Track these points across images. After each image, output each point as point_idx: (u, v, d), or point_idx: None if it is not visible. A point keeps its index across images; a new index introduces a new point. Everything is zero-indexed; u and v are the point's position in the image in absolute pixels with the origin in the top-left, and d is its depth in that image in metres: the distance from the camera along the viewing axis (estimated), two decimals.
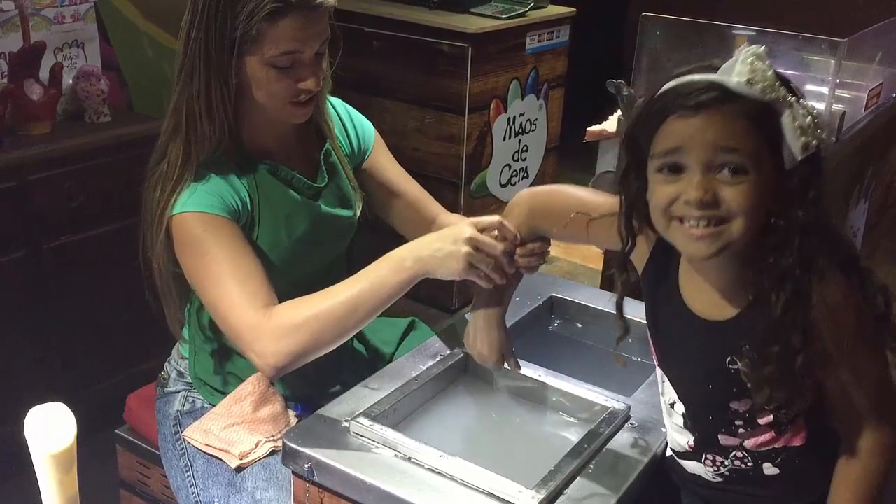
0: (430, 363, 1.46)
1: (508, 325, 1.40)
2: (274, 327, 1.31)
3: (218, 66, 1.35)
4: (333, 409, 1.33)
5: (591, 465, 1.24)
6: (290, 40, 1.35)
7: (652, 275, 1.20)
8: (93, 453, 1.90)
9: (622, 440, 1.30)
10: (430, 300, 3.16)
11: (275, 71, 1.37)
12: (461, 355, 1.47)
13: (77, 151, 2.22)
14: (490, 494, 1.17)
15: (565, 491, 1.19)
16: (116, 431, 1.78)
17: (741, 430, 1.16)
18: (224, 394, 1.52)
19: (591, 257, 3.39)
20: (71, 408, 0.85)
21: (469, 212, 2.81)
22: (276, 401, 1.51)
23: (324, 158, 1.53)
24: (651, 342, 1.24)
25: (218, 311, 1.37)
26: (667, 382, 1.22)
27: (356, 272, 1.66)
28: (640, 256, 1.20)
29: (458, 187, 3.05)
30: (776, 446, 1.16)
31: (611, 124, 2.36)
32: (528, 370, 1.44)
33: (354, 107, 1.67)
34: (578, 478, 1.21)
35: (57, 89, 2.30)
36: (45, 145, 2.19)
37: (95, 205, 2.25)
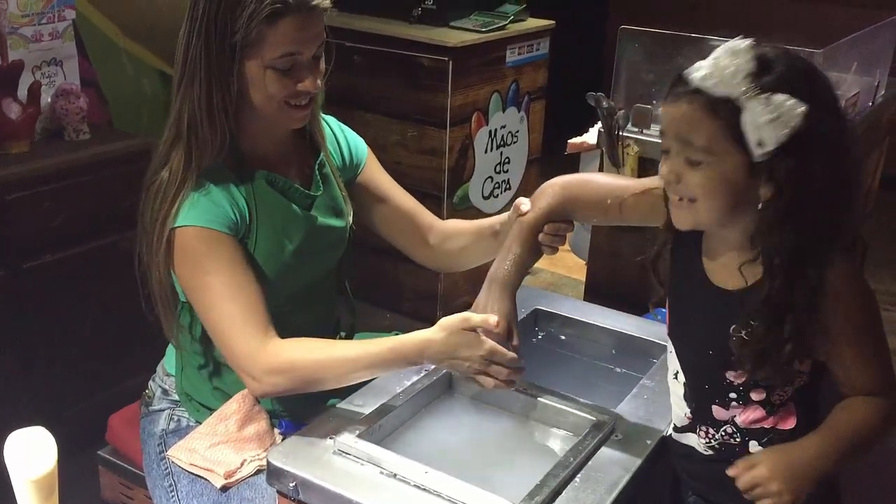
0: (415, 378, 1.45)
1: None
2: (273, 361, 1.35)
3: (219, 71, 1.37)
4: (318, 427, 1.33)
5: (577, 479, 1.24)
6: (290, 42, 1.36)
7: (680, 245, 1.28)
8: (75, 474, 1.88)
9: (607, 453, 1.30)
10: (414, 313, 3.15)
11: (274, 73, 1.38)
12: (445, 370, 1.46)
13: (56, 170, 2.20)
14: None
15: None
16: (99, 452, 1.76)
17: (734, 404, 1.22)
18: (210, 410, 1.51)
19: (575, 268, 3.40)
20: (52, 428, 0.85)
21: None
22: (262, 419, 1.50)
23: (318, 168, 1.55)
24: (668, 311, 1.31)
25: (217, 332, 1.39)
26: (673, 353, 1.29)
27: (344, 288, 1.67)
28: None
29: (441, 200, 3.06)
30: (765, 426, 1.22)
31: (591, 136, 2.37)
32: None
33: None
34: (564, 491, 1.21)
35: (35, 108, 2.28)
36: (23, 164, 2.17)
37: (75, 224, 2.23)
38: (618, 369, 1.63)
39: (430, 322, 1.36)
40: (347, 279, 1.69)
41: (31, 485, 0.82)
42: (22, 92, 2.26)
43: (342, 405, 1.39)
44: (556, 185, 1.42)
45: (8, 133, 2.21)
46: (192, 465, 1.46)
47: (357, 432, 1.29)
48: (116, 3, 2.69)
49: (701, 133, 1.11)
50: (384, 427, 1.35)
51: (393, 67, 3.04)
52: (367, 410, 1.36)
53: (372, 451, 1.25)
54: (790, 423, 1.22)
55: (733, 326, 1.16)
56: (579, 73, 4.04)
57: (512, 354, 1.31)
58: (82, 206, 2.25)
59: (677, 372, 1.29)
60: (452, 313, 1.35)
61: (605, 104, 2.11)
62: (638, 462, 1.28)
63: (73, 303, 2.27)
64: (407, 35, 3.00)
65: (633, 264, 1.47)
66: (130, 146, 2.36)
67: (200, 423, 1.51)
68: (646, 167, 2.12)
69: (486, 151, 3.19)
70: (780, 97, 1.08)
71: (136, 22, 2.75)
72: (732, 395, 1.22)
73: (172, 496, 1.48)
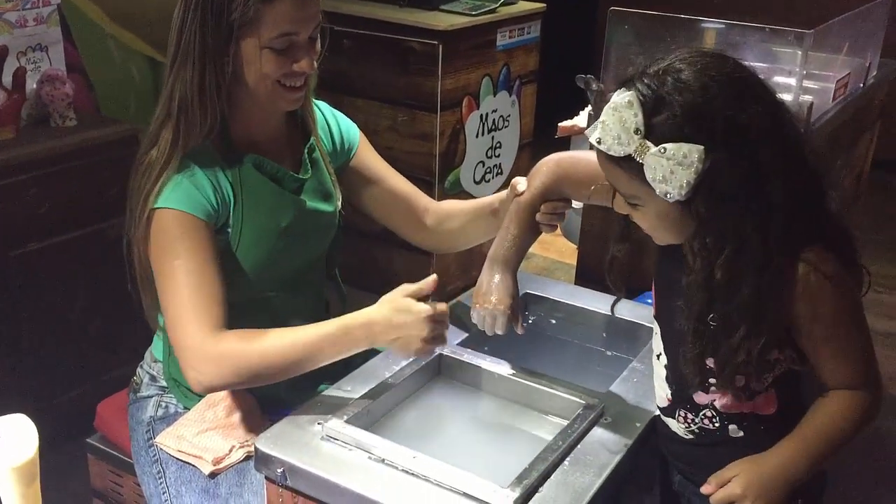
0: (404, 364, 1.44)
1: None
2: (217, 353, 1.33)
3: (214, 50, 1.35)
4: (306, 413, 1.32)
5: (566, 462, 1.23)
6: (288, 21, 1.36)
7: None
8: (64, 463, 1.88)
9: (597, 436, 1.29)
10: None
11: (271, 53, 1.37)
12: (435, 355, 1.46)
13: (42, 157, 2.18)
14: (465, 494, 1.16)
15: (540, 489, 1.18)
16: (87, 440, 1.75)
17: (713, 389, 1.21)
18: (198, 396, 1.50)
19: (567, 252, 3.39)
20: (41, 417, 0.84)
21: None
22: (250, 405, 1.49)
23: (307, 153, 1.54)
24: (654, 295, 1.32)
25: (168, 317, 1.38)
26: (658, 335, 1.29)
27: (334, 273, 1.66)
28: None
29: (432, 185, 3.04)
30: (745, 411, 1.22)
31: (582, 119, 2.36)
32: (502, 367, 1.44)
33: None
34: (553, 475, 1.21)
35: (20, 94, 2.26)
36: (9, 151, 2.15)
37: (62, 211, 2.22)
38: (608, 352, 1.63)
39: None
40: (337, 264, 1.68)
41: (13, 472, 0.82)
42: (7, 78, 2.24)
43: (330, 391, 1.38)
44: (549, 163, 1.43)
45: None
46: (180, 451, 1.46)
47: (345, 417, 1.29)
48: None
49: (621, 184, 1.14)
50: (372, 412, 1.34)
51: (382, 52, 3.01)
52: (355, 396, 1.35)
53: (360, 437, 1.25)
54: (771, 409, 1.21)
55: (711, 315, 1.14)
56: (570, 57, 4.02)
57: (443, 306, 1.33)
58: (69, 193, 2.23)
59: (660, 354, 1.29)
60: (444, 299, 1.35)
61: (594, 86, 2.09)
62: (627, 444, 1.28)
63: (60, 290, 2.26)
64: (396, 19, 2.97)
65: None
66: (117, 132, 2.34)
67: (188, 410, 1.51)
68: None
69: (477, 136, 3.17)
70: (672, 147, 1.06)
71: (123, 7, 2.72)
72: (712, 380, 1.20)
73: (161, 483, 1.48)
